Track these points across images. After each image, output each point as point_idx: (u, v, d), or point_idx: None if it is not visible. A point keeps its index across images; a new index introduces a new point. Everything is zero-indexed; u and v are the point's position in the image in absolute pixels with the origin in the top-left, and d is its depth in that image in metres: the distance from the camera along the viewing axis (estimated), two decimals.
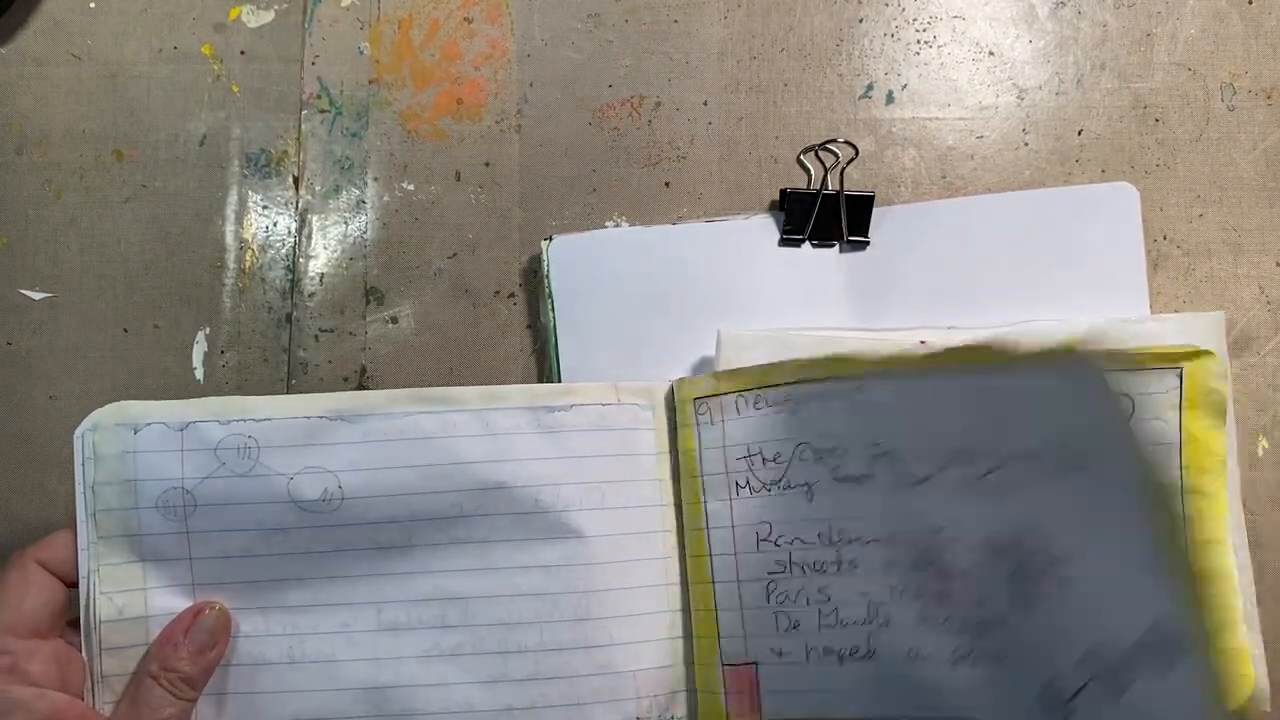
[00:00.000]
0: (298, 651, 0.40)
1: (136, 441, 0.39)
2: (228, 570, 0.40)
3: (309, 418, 0.40)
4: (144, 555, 0.40)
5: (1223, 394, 0.40)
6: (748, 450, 0.42)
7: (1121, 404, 0.39)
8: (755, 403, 0.41)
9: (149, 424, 0.40)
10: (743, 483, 0.42)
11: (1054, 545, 0.38)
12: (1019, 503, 0.39)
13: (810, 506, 0.41)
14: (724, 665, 0.41)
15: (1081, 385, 0.38)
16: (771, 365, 0.41)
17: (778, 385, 0.41)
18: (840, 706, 0.41)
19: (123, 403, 0.40)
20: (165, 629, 0.39)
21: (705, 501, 0.42)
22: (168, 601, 0.40)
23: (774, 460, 0.41)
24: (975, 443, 0.39)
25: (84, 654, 0.39)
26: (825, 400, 0.41)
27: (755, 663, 0.41)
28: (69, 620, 0.40)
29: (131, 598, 0.39)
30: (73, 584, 0.39)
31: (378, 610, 0.40)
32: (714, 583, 0.41)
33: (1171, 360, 0.41)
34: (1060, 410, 0.38)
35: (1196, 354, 0.40)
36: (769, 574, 0.41)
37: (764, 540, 0.41)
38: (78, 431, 0.40)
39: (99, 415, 0.40)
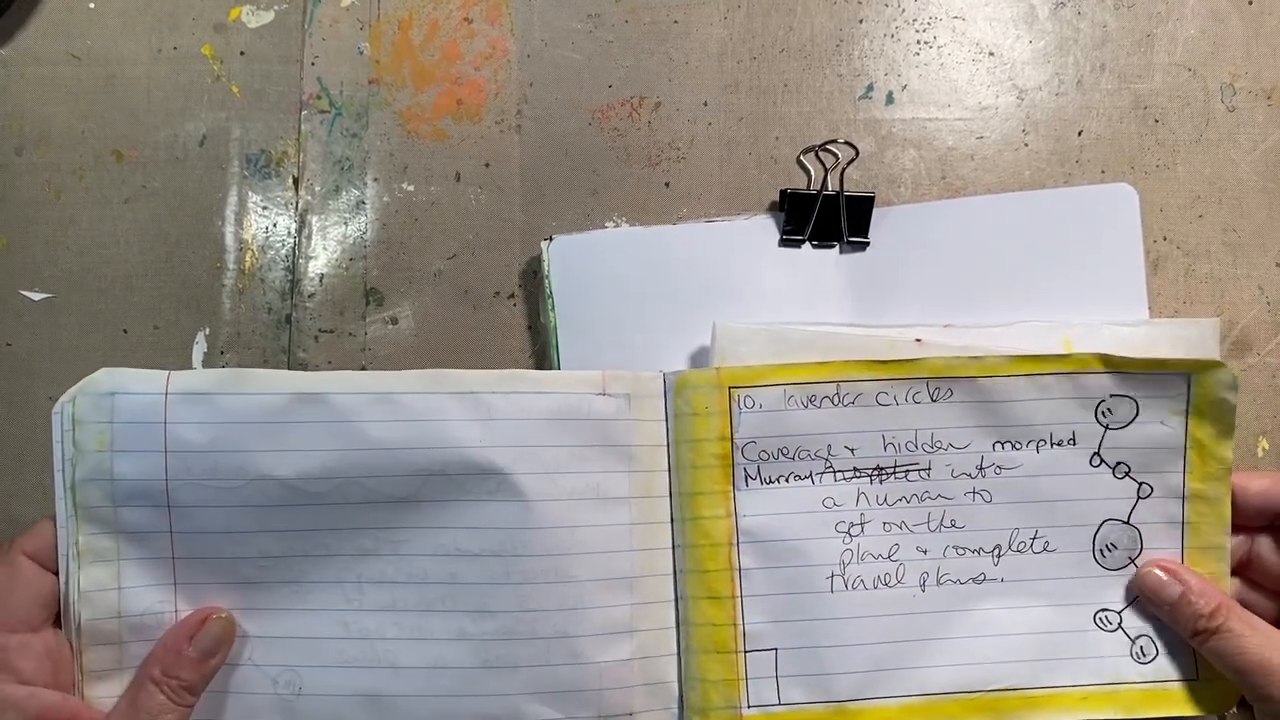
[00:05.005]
0: (279, 628, 0.40)
1: (115, 412, 0.39)
2: (206, 545, 0.40)
3: (292, 394, 0.39)
4: (121, 528, 0.39)
5: (1231, 403, 0.41)
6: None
7: None
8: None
9: (129, 394, 0.39)
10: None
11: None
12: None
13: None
14: (746, 651, 0.41)
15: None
16: (792, 364, 0.42)
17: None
18: (855, 690, 0.42)
19: (102, 370, 0.39)
20: (169, 632, 0.39)
21: (734, 490, 0.42)
22: (145, 575, 0.40)
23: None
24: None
25: (64, 630, 0.39)
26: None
27: (775, 649, 0.42)
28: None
29: (108, 570, 0.39)
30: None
31: (358, 589, 0.40)
32: (738, 570, 0.41)
33: (1179, 368, 0.41)
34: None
35: (1206, 364, 0.41)
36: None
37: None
38: (57, 405, 0.39)
39: (79, 386, 0.39)
